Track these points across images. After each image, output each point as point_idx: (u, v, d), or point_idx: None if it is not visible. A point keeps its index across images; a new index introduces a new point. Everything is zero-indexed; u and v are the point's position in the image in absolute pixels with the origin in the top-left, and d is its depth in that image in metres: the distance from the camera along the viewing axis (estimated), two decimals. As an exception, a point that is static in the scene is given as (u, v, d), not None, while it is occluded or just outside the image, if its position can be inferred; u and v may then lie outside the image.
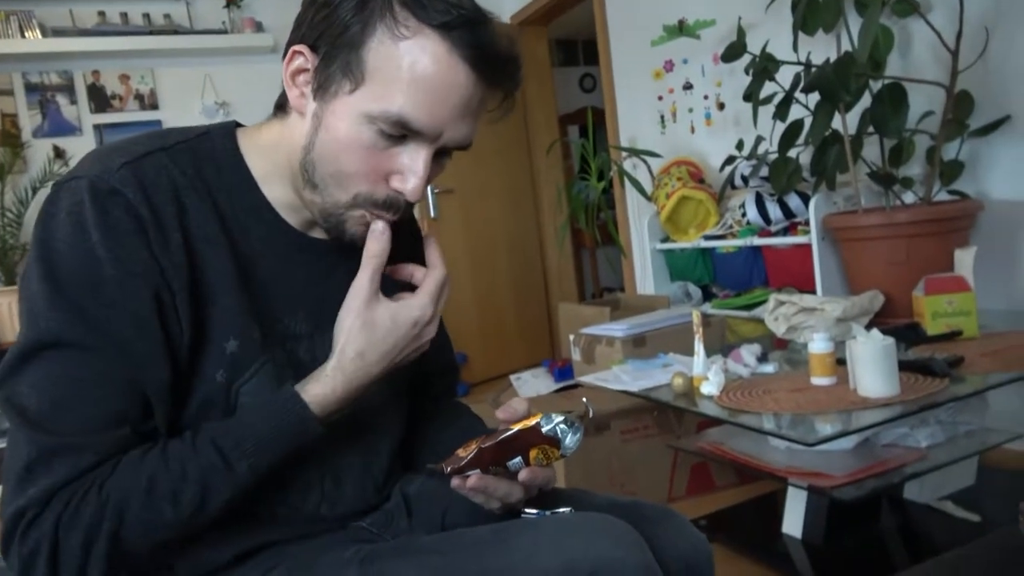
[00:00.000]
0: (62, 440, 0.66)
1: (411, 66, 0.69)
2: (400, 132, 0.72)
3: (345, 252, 0.85)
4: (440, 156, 0.77)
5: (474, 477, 0.76)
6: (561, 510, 0.79)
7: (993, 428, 1.74)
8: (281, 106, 0.79)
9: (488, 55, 0.71)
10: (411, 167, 0.74)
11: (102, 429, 0.67)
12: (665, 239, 2.91)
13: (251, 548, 0.78)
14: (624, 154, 3.27)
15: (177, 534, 0.69)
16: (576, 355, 2.56)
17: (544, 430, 0.75)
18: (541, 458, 0.76)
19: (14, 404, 0.66)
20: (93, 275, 0.67)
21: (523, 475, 0.77)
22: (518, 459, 0.76)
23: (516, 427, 0.76)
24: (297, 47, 0.74)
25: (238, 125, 0.82)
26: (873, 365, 1.39)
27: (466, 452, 0.77)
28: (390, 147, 0.73)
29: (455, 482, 0.77)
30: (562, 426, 0.75)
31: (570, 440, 0.75)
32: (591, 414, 0.81)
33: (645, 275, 3.16)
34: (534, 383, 3.18)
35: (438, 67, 0.70)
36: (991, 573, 0.87)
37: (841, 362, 1.50)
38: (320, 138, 0.74)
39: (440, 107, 0.71)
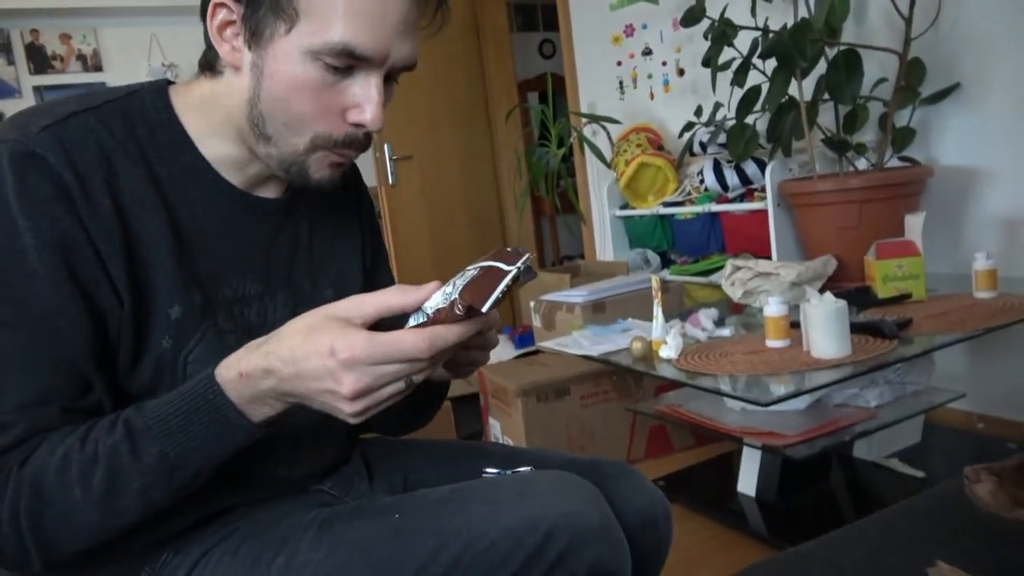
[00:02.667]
0: None
1: None
2: (347, 63, 0.70)
3: (292, 210, 0.83)
4: (388, 82, 0.74)
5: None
6: (521, 469, 0.80)
7: (938, 388, 1.80)
8: (209, 65, 0.75)
9: None
10: (365, 96, 0.72)
11: (29, 406, 0.65)
12: (624, 206, 2.92)
13: (210, 512, 0.77)
14: (584, 121, 3.26)
15: (98, 524, 0.65)
16: (536, 321, 2.57)
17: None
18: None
19: None
20: (12, 247, 0.64)
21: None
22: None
23: (482, 263, 0.65)
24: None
25: (170, 83, 0.78)
26: (826, 327, 1.42)
27: (483, 286, 0.63)
28: (339, 81, 0.71)
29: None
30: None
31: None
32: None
33: (604, 242, 3.17)
34: (494, 350, 3.18)
35: None
36: (933, 523, 0.91)
37: (795, 325, 1.53)
38: (265, 87, 0.71)
39: (381, 28, 0.69)
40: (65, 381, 0.67)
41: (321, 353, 0.60)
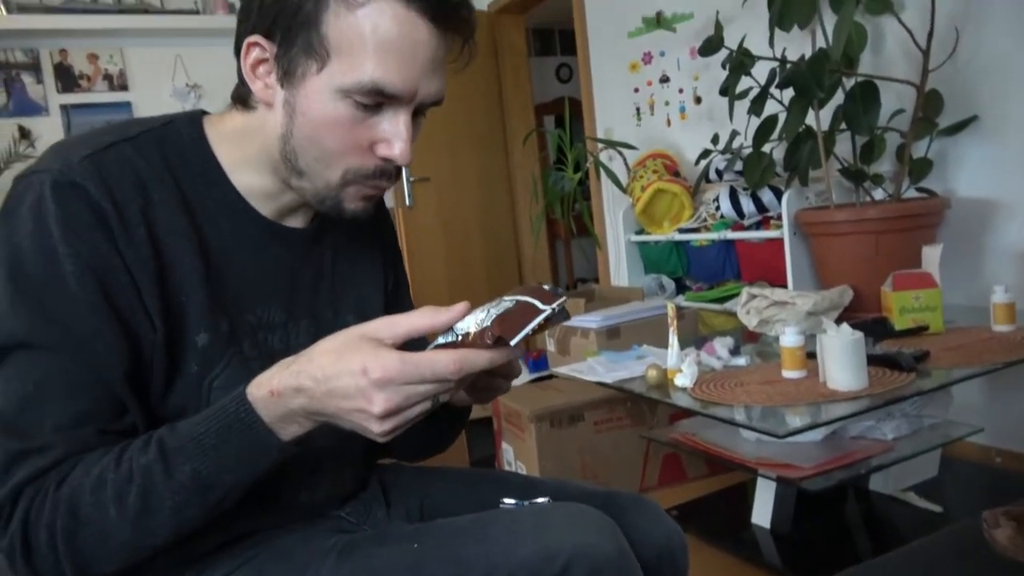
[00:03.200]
0: (28, 441, 0.65)
1: (373, 31, 0.69)
2: (376, 100, 0.71)
3: (318, 239, 0.85)
4: (416, 116, 0.76)
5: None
6: (538, 500, 0.80)
7: (956, 421, 1.79)
8: (242, 99, 0.77)
9: (442, 4, 0.71)
10: (394, 132, 0.73)
11: (67, 428, 0.66)
12: (640, 231, 2.93)
13: (231, 537, 0.78)
14: (600, 146, 3.28)
15: (132, 543, 0.65)
16: (551, 346, 2.58)
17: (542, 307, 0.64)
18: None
19: None
20: (54, 272, 0.66)
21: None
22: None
23: (519, 297, 0.65)
24: (252, 38, 0.72)
25: (204, 113, 0.81)
26: (842, 359, 1.41)
27: (515, 321, 0.63)
28: (368, 118, 0.72)
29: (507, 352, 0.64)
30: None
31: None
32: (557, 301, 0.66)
33: (619, 267, 3.18)
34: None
35: (400, 27, 0.69)
36: (951, 562, 0.90)
37: (811, 355, 1.52)
38: (297, 124, 0.73)
39: (409, 67, 0.71)
40: (102, 404, 0.68)
41: (353, 372, 0.61)
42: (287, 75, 0.72)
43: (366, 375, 0.61)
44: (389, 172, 0.76)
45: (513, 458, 2.27)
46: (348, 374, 0.61)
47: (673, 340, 1.62)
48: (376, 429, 0.63)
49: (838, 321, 1.61)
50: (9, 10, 3.34)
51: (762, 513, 1.81)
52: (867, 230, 1.98)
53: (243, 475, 0.66)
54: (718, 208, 2.58)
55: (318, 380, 0.63)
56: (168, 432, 0.67)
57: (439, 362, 0.61)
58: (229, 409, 0.65)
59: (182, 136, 0.77)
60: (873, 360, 1.48)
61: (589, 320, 2.33)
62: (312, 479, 0.83)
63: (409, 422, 0.64)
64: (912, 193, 2.09)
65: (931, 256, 1.82)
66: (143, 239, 0.70)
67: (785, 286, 2.27)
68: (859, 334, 1.42)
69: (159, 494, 0.64)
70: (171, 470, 0.65)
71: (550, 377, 2.64)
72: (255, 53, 0.73)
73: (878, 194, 2.12)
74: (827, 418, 1.40)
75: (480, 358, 0.62)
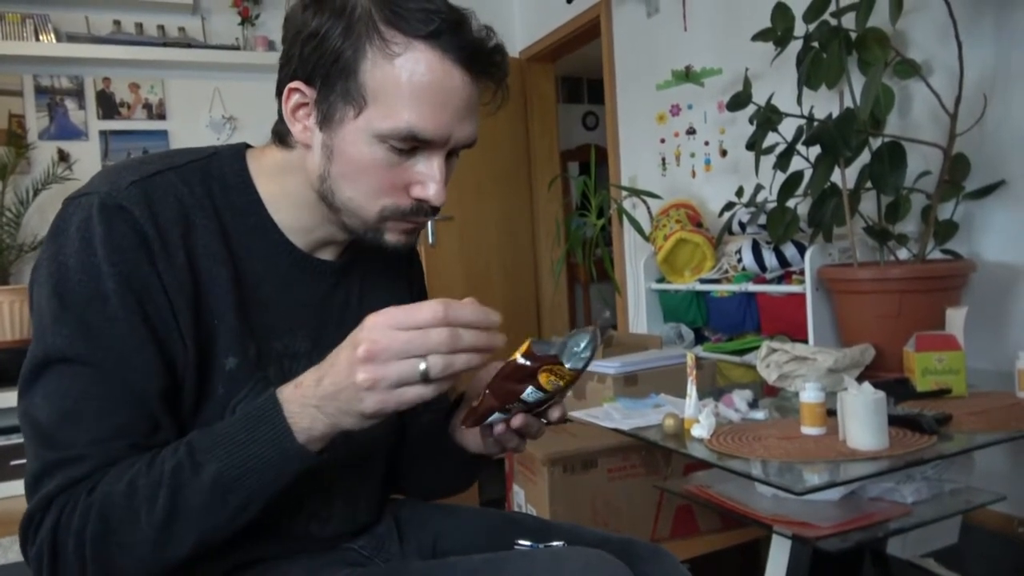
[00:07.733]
0: (63, 452, 0.67)
1: (409, 79, 0.71)
2: (411, 145, 0.74)
3: (347, 272, 0.87)
4: (449, 157, 0.78)
5: (501, 425, 0.74)
6: (553, 543, 0.80)
7: (978, 488, 1.75)
8: (281, 137, 0.80)
9: (476, 52, 0.73)
10: (429, 174, 0.76)
11: (103, 441, 0.68)
12: (660, 279, 2.94)
13: (239, 564, 0.78)
14: (624, 193, 3.31)
15: (157, 551, 0.66)
16: (566, 390, 2.56)
17: (537, 352, 0.68)
18: (555, 380, 0.69)
19: (30, 415, 0.68)
20: (97, 290, 0.68)
21: (516, 421, 0.74)
22: (530, 389, 0.69)
23: (511, 358, 0.70)
24: (293, 84, 0.75)
25: (247, 147, 0.84)
26: (863, 418, 1.40)
27: (478, 402, 0.72)
28: (403, 160, 0.75)
29: (481, 433, 0.75)
30: (555, 338, 0.70)
31: (574, 350, 0.68)
32: (601, 328, 0.72)
33: (638, 314, 3.18)
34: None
35: (434, 75, 0.72)
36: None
37: (831, 413, 1.51)
38: (335, 166, 0.76)
39: (443, 113, 0.73)
40: (137, 419, 0.70)
41: (350, 342, 0.64)
42: (326, 119, 0.75)
43: (359, 331, 0.63)
44: (425, 210, 0.78)
45: (524, 501, 2.24)
46: (349, 344, 0.64)
47: (691, 390, 1.61)
48: (360, 377, 0.62)
49: (859, 380, 1.60)
50: (59, 39, 3.47)
51: (776, 572, 1.77)
52: (891, 289, 1.97)
53: (265, 479, 0.67)
54: (740, 260, 2.59)
55: (327, 360, 0.66)
56: (199, 433, 0.69)
57: (424, 307, 0.62)
58: (258, 403, 0.68)
59: (225, 167, 0.80)
60: (894, 421, 1.47)
61: (606, 366, 2.33)
62: (324, 510, 0.84)
63: (396, 389, 0.62)
64: (937, 255, 2.08)
65: (955, 319, 1.81)
66: (182, 263, 0.72)
67: (805, 341, 2.26)
68: (881, 393, 1.41)
69: (185, 495, 0.65)
70: (198, 468, 0.66)
71: (565, 421, 2.63)
72: (295, 98, 0.76)
73: (902, 254, 2.12)
74: (846, 477, 1.38)
75: (465, 308, 0.63)
